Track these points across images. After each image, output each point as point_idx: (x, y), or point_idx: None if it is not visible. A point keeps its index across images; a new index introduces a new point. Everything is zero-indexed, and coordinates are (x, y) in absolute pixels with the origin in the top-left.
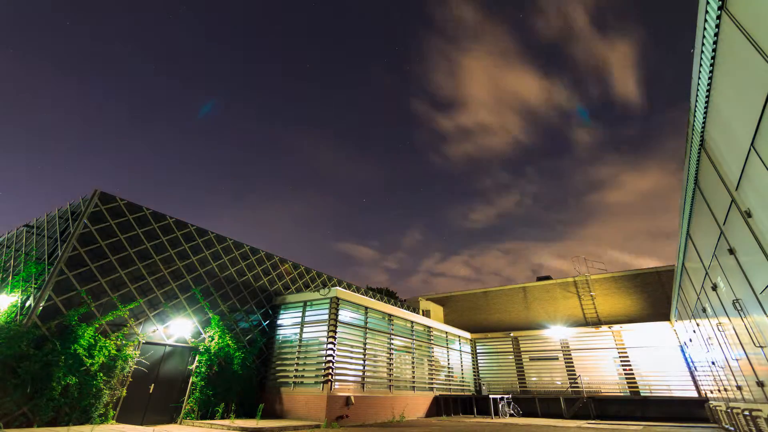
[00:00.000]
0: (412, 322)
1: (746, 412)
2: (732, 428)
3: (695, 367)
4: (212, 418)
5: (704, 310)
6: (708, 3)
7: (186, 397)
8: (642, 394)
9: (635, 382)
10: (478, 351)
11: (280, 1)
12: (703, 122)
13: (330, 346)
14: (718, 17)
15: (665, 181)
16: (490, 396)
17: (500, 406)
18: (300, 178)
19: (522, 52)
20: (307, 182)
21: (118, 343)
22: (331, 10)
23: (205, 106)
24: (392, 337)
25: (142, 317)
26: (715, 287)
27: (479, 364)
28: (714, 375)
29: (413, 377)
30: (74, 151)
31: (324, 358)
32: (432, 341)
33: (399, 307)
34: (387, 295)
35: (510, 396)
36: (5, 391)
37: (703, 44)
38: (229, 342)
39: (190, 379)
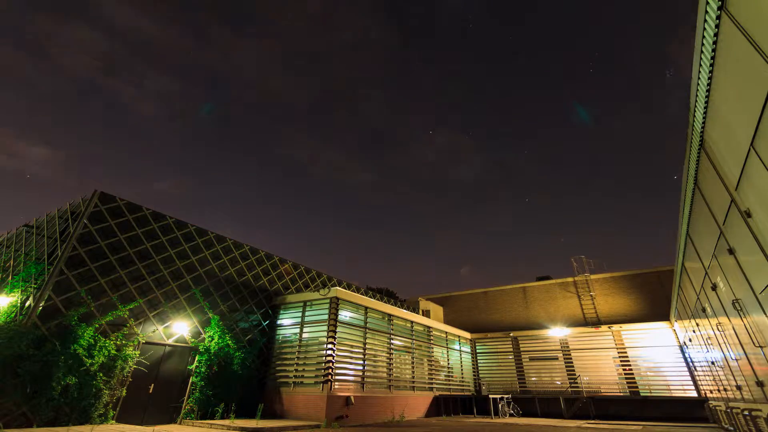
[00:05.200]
0: (411, 322)
1: (746, 412)
2: (732, 428)
3: (695, 367)
4: (212, 418)
5: (704, 310)
6: (708, 3)
7: (186, 397)
8: (642, 394)
9: (635, 382)
10: (477, 351)
11: None
12: (703, 122)
13: (330, 346)
14: (718, 17)
15: None
16: (490, 396)
17: (500, 406)
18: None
19: None
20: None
21: (118, 343)
22: None
23: (205, 106)
24: (392, 337)
25: (142, 317)
26: (714, 287)
27: (479, 364)
28: (714, 375)
29: (413, 377)
30: (74, 150)
31: (324, 358)
32: (432, 341)
33: (399, 307)
34: (387, 295)
35: (510, 396)
36: (5, 391)
37: (702, 44)
38: (229, 342)
39: (189, 379)
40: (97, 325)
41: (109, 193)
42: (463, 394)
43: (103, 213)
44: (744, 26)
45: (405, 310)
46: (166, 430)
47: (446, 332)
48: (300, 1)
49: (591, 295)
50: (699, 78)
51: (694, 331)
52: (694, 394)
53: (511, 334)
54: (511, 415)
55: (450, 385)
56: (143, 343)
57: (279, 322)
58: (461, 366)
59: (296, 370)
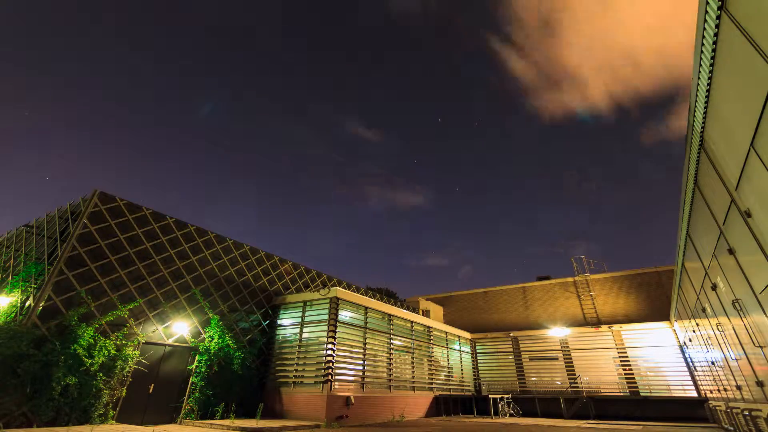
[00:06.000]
0: (411, 322)
1: (746, 412)
2: (732, 428)
3: (695, 367)
4: (212, 418)
5: (704, 310)
6: (708, 3)
7: (186, 397)
8: (642, 394)
9: (635, 382)
10: (478, 351)
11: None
12: (703, 122)
13: (330, 346)
14: (718, 17)
15: None
16: (490, 396)
17: (500, 406)
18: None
19: None
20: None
21: (118, 343)
22: None
23: (207, 106)
24: (392, 337)
25: (142, 317)
26: (714, 287)
27: (479, 364)
28: (714, 375)
29: (413, 377)
30: (74, 150)
31: (324, 358)
32: (432, 341)
33: (399, 307)
34: (387, 295)
35: (510, 396)
36: (5, 391)
37: (702, 44)
38: (229, 342)
39: (189, 379)
40: (97, 325)
41: (108, 193)
42: (463, 394)
43: (103, 213)
44: (744, 26)
45: (405, 310)
46: (166, 430)
47: (446, 332)
48: None
49: (591, 295)
50: (699, 78)
51: (694, 331)
52: (694, 394)
53: (511, 334)
54: (511, 415)
55: (450, 385)
56: (143, 343)
57: (279, 322)
58: (461, 366)
59: (296, 370)
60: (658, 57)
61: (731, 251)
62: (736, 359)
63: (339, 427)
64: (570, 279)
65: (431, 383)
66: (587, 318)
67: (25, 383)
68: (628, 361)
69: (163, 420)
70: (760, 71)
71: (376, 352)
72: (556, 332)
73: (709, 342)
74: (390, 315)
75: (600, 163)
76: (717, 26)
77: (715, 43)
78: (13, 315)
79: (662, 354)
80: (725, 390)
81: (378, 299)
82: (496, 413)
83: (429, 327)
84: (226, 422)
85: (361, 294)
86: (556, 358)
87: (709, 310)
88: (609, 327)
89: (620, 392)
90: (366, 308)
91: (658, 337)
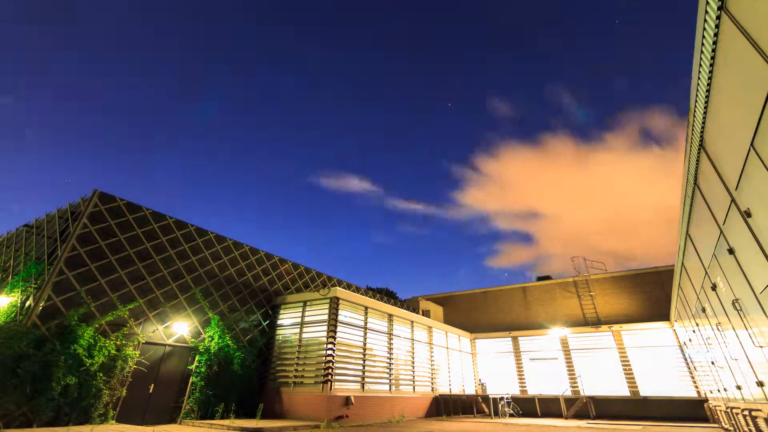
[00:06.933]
0: (412, 322)
1: (746, 412)
2: (732, 428)
3: (695, 367)
4: (212, 418)
5: (704, 310)
6: (708, 3)
7: (186, 397)
8: (642, 394)
9: (635, 382)
10: (478, 351)
11: None
12: (703, 122)
13: (330, 346)
14: (718, 17)
15: None
16: (490, 396)
17: (500, 406)
18: None
19: None
20: None
21: (118, 343)
22: None
23: (206, 106)
24: (392, 337)
25: (142, 317)
26: (714, 287)
27: (479, 364)
28: (714, 375)
29: (413, 377)
30: (74, 151)
31: (324, 358)
32: (432, 341)
33: (399, 307)
34: (387, 295)
35: (510, 396)
36: (5, 391)
37: (702, 44)
38: (229, 342)
39: (189, 379)
40: (97, 325)
41: (108, 193)
42: (463, 394)
43: (103, 213)
44: (744, 26)
45: (405, 310)
46: (166, 430)
47: (446, 332)
48: None
49: (591, 295)
50: (699, 78)
51: (694, 331)
52: (694, 394)
53: (511, 334)
54: (511, 415)
55: (450, 385)
56: (143, 343)
57: (279, 322)
58: (461, 366)
59: (296, 370)
60: None
61: (731, 251)
62: (736, 359)
63: (339, 427)
64: (570, 279)
65: (431, 383)
66: (587, 318)
67: (25, 383)
68: (628, 361)
69: (163, 420)
70: (760, 71)
71: (376, 352)
72: (556, 332)
73: (709, 342)
74: (390, 315)
75: None
76: (717, 26)
77: (715, 43)
78: (13, 315)
79: (662, 354)
80: (725, 390)
81: (378, 299)
82: (496, 413)
83: (429, 327)
84: (226, 422)
85: (361, 294)
86: (556, 358)
87: (709, 310)
88: (609, 327)
89: (620, 392)
90: (366, 308)
91: (658, 337)
